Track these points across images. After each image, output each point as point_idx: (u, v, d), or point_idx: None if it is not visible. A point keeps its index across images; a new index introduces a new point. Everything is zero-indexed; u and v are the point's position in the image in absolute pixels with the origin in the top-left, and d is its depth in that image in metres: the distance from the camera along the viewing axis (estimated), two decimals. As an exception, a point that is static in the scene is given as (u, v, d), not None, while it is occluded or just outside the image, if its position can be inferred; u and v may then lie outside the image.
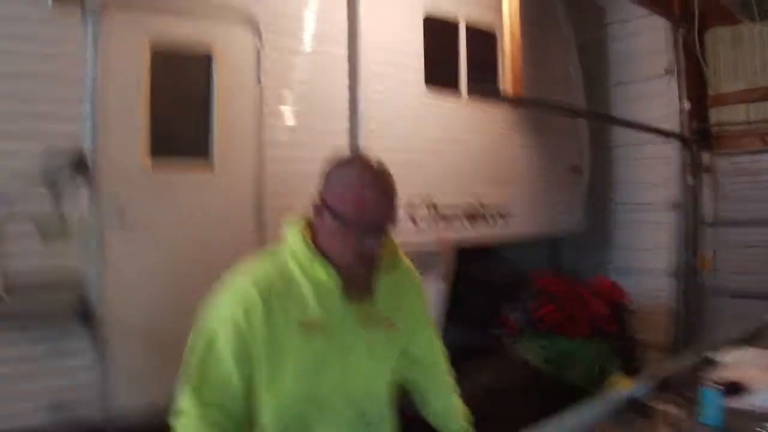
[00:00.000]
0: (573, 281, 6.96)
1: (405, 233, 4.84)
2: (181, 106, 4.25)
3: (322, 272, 2.09)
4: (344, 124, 5.04)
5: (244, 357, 2.02)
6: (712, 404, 2.85)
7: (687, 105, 7.02)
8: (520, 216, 6.23)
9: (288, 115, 4.70)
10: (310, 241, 2.12)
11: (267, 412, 2.09)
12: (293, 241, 2.15)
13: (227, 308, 2.06)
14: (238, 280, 2.11)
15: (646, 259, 7.35)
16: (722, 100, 7.11)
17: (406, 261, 2.38)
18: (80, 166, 3.68)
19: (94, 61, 3.77)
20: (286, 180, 4.62)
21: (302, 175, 4.65)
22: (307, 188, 4.56)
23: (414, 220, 5.11)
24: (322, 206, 2.07)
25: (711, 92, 7.13)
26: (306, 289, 2.09)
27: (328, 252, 2.10)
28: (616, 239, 7.72)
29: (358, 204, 2.01)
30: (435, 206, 5.32)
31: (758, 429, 2.78)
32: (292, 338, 2.05)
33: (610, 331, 6.39)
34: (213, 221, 4.25)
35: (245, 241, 4.38)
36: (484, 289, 6.86)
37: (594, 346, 6.27)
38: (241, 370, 2.02)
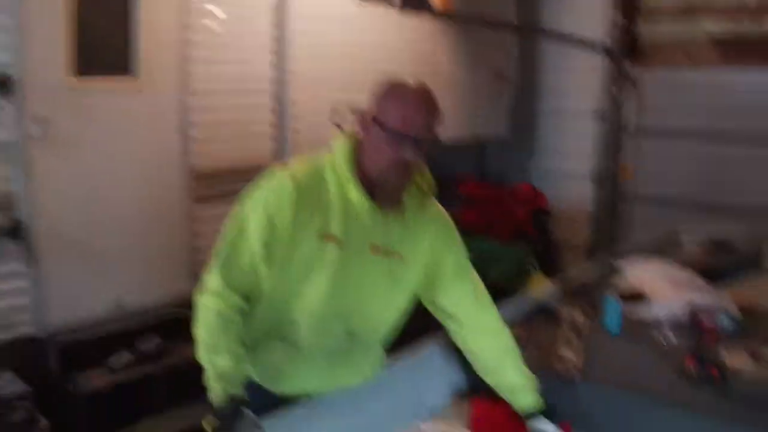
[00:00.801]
0: (495, 186, 7.12)
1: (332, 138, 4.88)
2: (105, 19, 4.07)
3: (354, 192, 2.13)
4: (270, 26, 4.95)
5: (270, 241, 2.08)
6: (612, 313, 3.03)
7: (617, 16, 7.09)
8: (445, 121, 6.19)
9: (211, 16, 4.57)
10: (353, 160, 2.16)
11: (265, 305, 2.18)
12: (338, 155, 2.17)
13: (261, 194, 2.11)
14: (277, 173, 2.16)
15: (568, 165, 7.51)
16: (653, 14, 7.19)
17: (438, 207, 2.39)
18: (3, 86, 3.63)
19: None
20: (211, 85, 4.57)
21: (227, 80, 4.68)
22: (231, 92, 4.58)
23: (340, 126, 5.13)
24: (370, 119, 2.11)
25: (641, 5, 7.19)
26: (335, 203, 2.14)
27: (369, 171, 2.14)
28: (541, 145, 7.84)
29: (403, 115, 2.04)
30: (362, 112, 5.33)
31: (657, 337, 2.97)
32: (308, 242, 2.10)
33: (531, 234, 6.57)
34: (140, 134, 4.21)
35: (172, 149, 4.40)
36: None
37: (514, 248, 6.46)
38: (267, 254, 2.09)
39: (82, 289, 4.05)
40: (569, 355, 2.74)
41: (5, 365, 3.76)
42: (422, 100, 2.10)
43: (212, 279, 2.11)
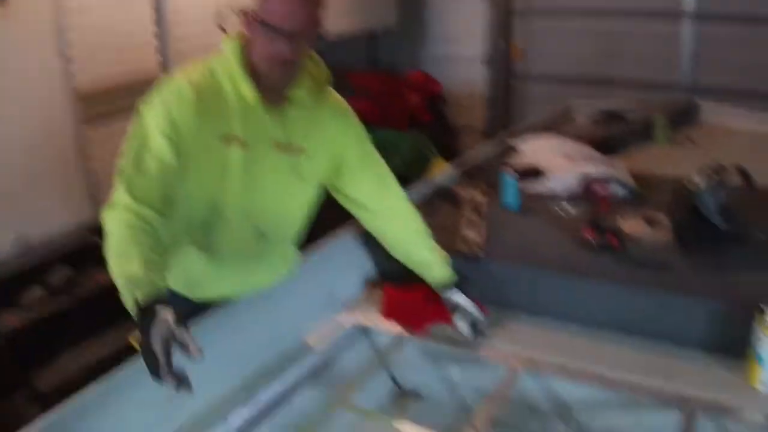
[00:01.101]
0: (388, 76, 7.08)
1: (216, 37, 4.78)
2: None
3: (247, 90, 2.09)
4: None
5: (176, 144, 2.03)
6: (510, 189, 3.08)
7: None
8: (330, 14, 6.12)
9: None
10: (243, 58, 2.11)
11: (176, 213, 2.11)
12: (228, 55, 2.12)
13: (160, 101, 2.05)
14: (173, 79, 2.10)
15: (459, 49, 7.51)
16: None
17: (337, 98, 2.37)
18: None
19: None
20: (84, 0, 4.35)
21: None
22: (107, 6, 4.41)
23: (224, 29, 5.02)
24: (252, 16, 2.05)
25: None
26: (232, 103, 2.11)
27: (258, 68, 2.11)
28: (431, 31, 7.79)
29: (280, 9, 1.99)
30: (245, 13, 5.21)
31: (555, 210, 3.04)
32: (210, 145, 2.08)
33: (426, 120, 6.58)
34: (12, 62, 3.99)
35: (52, 74, 4.18)
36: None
37: (412, 135, 6.47)
38: (173, 158, 2.03)
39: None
40: (472, 234, 2.78)
41: None
42: None
43: (119, 194, 2.01)
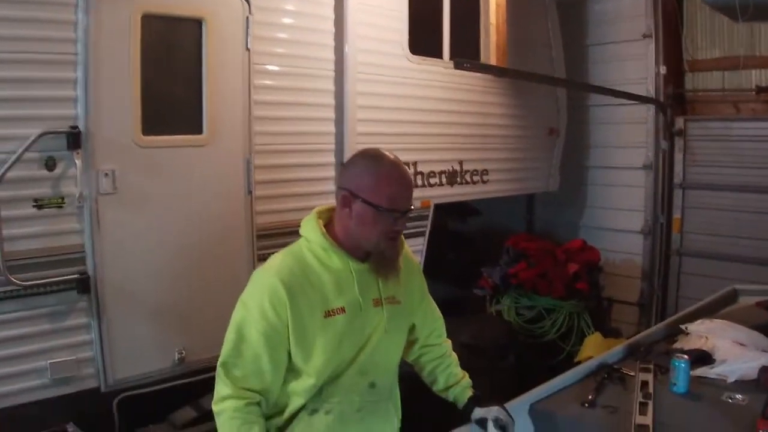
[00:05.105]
0: (546, 242, 7.09)
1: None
2: (172, 78, 4.23)
3: (337, 261, 2.35)
4: (329, 86, 5.06)
5: (273, 343, 2.25)
6: (680, 374, 3.02)
7: (663, 69, 7.12)
8: (497, 176, 6.37)
9: (274, 77, 4.70)
10: (326, 233, 2.36)
11: (302, 390, 2.33)
12: (311, 235, 2.38)
13: (255, 301, 2.28)
14: (263, 275, 2.34)
15: (618, 219, 7.48)
16: (698, 67, 7.26)
17: (406, 247, 2.61)
18: (76, 144, 3.70)
19: (85, 34, 3.72)
20: (272, 139, 4.67)
21: (287, 135, 4.78)
22: (291, 147, 4.63)
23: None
24: (351, 197, 2.31)
25: (687, 58, 7.25)
26: (325, 278, 2.33)
27: (347, 240, 2.37)
28: (590, 199, 7.83)
29: (391, 195, 2.29)
30: (416, 168, 5.45)
31: (725, 398, 2.95)
32: (316, 324, 2.28)
33: (583, 290, 6.52)
34: (205, 190, 4.29)
35: (237, 207, 4.46)
36: (462, 245, 7.02)
37: (567, 304, 6.45)
38: (270, 356, 2.25)
39: (146, 342, 4.10)
40: (641, 418, 2.73)
41: (68, 417, 3.79)
42: (403, 177, 2.36)
43: (222, 387, 2.27)
